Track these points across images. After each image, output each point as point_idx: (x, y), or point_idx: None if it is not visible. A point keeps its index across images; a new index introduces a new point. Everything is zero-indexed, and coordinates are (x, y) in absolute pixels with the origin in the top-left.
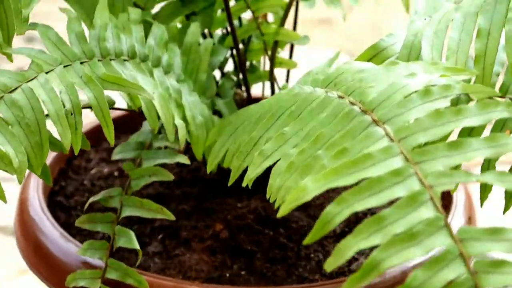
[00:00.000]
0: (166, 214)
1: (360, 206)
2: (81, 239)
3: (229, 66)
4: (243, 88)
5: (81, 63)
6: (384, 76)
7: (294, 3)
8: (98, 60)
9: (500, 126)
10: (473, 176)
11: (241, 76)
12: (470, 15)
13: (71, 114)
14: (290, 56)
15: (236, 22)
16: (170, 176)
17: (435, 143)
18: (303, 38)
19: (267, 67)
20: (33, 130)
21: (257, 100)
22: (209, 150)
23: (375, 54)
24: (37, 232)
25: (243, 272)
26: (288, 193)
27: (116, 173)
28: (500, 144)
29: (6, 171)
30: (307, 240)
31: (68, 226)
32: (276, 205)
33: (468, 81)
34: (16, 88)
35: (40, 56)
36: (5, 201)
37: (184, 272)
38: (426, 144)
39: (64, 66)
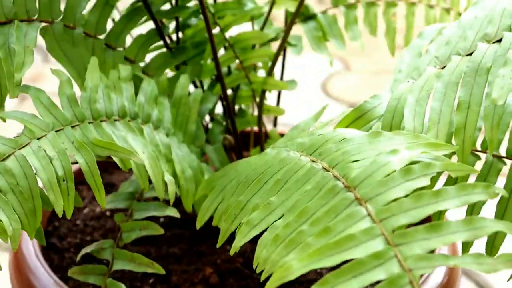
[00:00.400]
0: (156, 269)
1: None
2: (74, 284)
3: (219, 108)
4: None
5: (73, 127)
6: (368, 149)
7: (282, 52)
8: (89, 123)
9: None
10: (452, 260)
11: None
12: (451, 85)
13: (63, 180)
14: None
15: (225, 69)
16: (160, 231)
17: (415, 225)
18: (291, 83)
19: (256, 111)
20: (27, 197)
21: (245, 143)
22: (199, 202)
23: (360, 116)
24: (31, 279)
25: None
26: (274, 267)
27: (108, 213)
28: (477, 227)
29: (1, 239)
30: None
31: (61, 269)
32: (262, 278)
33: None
34: (9, 156)
35: (32, 121)
36: None
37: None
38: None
39: (56, 131)
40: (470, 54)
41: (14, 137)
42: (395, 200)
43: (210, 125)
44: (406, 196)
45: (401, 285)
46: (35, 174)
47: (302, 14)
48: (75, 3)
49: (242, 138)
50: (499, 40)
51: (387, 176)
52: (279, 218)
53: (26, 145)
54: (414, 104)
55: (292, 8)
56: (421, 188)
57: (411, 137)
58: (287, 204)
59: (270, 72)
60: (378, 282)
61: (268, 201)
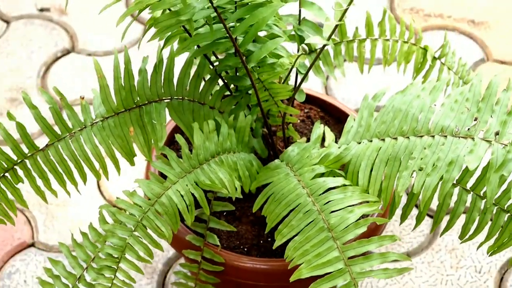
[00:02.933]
0: (230, 227)
1: None
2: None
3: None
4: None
5: (189, 173)
6: (339, 203)
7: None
8: (199, 167)
9: None
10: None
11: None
12: (383, 162)
13: (187, 207)
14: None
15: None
16: (231, 207)
17: None
18: (300, 93)
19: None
20: (172, 217)
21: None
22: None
23: (337, 160)
24: None
25: (269, 239)
26: (296, 263)
27: None
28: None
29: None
30: None
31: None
32: (289, 266)
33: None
34: (162, 195)
35: (170, 171)
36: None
37: (239, 238)
38: None
39: (181, 178)
40: (396, 138)
41: (163, 184)
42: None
43: (254, 125)
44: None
45: None
46: (176, 205)
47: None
48: (182, 82)
49: (271, 130)
50: (408, 137)
51: (348, 225)
52: (298, 233)
53: (169, 188)
54: (364, 168)
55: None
56: None
57: (360, 195)
58: (300, 227)
59: (291, 104)
60: None
61: (292, 222)
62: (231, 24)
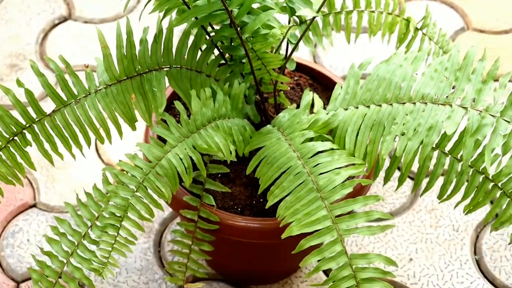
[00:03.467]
0: (225, 189)
1: None
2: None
3: None
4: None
5: (187, 137)
6: (327, 165)
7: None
8: (195, 132)
9: None
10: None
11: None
12: (368, 127)
13: (185, 169)
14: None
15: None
16: (226, 170)
17: None
18: (291, 62)
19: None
20: (171, 178)
21: (266, 99)
22: (247, 150)
23: (326, 126)
24: None
25: (261, 200)
26: (287, 221)
27: None
28: None
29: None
30: None
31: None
32: (281, 224)
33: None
34: (162, 158)
35: (170, 135)
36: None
37: (233, 199)
38: None
39: (180, 142)
40: (380, 105)
41: (163, 147)
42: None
43: (247, 92)
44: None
45: None
46: (175, 167)
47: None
48: (180, 52)
49: (263, 97)
50: (392, 104)
51: (335, 186)
52: (289, 194)
53: (169, 151)
54: (350, 133)
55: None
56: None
57: (347, 159)
58: (291, 188)
59: (282, 72)
60: None
61: (283, 184)
62: None
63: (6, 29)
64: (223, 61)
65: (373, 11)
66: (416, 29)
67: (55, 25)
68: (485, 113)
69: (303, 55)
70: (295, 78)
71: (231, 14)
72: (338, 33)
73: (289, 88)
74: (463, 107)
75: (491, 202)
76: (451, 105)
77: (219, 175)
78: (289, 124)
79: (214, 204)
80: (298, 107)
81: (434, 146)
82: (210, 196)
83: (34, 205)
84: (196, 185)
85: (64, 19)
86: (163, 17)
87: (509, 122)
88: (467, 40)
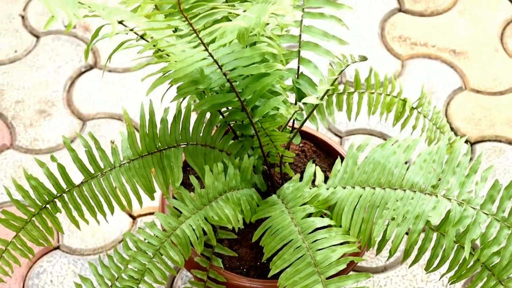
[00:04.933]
0: (232, 253)
1: None
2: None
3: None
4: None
5: (201, 209)
6: (324, 242)
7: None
8: (207, 204)
9: None
10: None
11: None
12: (362, 208)
13: (197, 238)
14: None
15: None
16: (234, 236)
17: None
18: (296, 137)
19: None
20: (184, 246)
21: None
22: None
23: (325, 202)
24: None
25: (265, 261)
26: None
27: None
28: None
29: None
30: None
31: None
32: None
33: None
34: (177, 228)
35: (185, 207)
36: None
37: (239, 260)
38: None
39: (193, 214)
40: (374, 188)
41: (178, 218)
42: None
43: (256, 162)
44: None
45: None
46: (188, 237)
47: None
48: (196, 130)
49: (270, 167)
50: (384, 188)
51: (331, 263)
52: (289, 266)
53: (183, 222)
54: (347, 212)
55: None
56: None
57: (343, 236)
58: (291, 261)
59: (286, 147)
60: None
61: (284, 256)
62: (241, 87)
63: (37, 76)
64: (234, 137)
65: (372, 93)
66: (412, 108)
67: (81, 73)
68: (466, 206)
69: (308, 123)
70: (300, 145)
71: (243, 103)
72: (340, 111)
73: (294, 155)
74: (447, 198)
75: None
76: (436, 196)
77: (227, 241)
78: (292, 197)
79: (222, 266)
80: (301, 175)
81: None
82: (219, 259)
83: (57, 247)
84: (207, 249)
85: (90, 68)
86: (182, 100)
87: (487, 215)
88: (464, 99)
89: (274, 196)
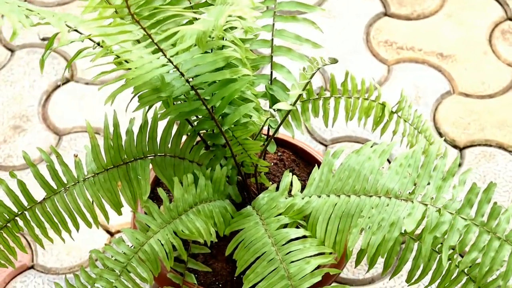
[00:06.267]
0: (206, 268)
1: None
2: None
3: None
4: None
5: (170, 223)
6: (298, 254)
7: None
8: (177, 218)
9: None
10: None
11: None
12: (337, 217)
13: (167, 254)
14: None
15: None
16: (207, 250)
17: None
18: (272, 145)
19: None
20: (152, 261)
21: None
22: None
23: (300, 212)
24: None
25: (242, 275)
26: None
27: None
28: None
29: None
30: None
31: None
32: None
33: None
34: (144, 244)
35: (152, 221)
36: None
37: (215, 275)
38: None
39: (162, 228)
40: (349, 195)
41: (146, 233)
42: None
43: (230, 172)
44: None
45: None
46: (157, 252)
47: None
48: (164, 141)
49: (245, 176)
50: (359, 196)
51: (305, 275)
52: (262, 279)
53: (151, 237)
54: (321, 222)
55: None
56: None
57: (317, 248)
58: (264, 274)
59: (260, 155)
60: None
61: (257, 269)
62: (207, 94)
63: (11, 91)
64: (205, 147)
65: (349, 97)
66: (392, 113)
67: (57, 87)
68: (443, 211)
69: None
70: (279, 154)
71: (210, 111)
72: (316, 118)
73: (272, 164)
74: (423, 204)
75: None
76: (412, 201)
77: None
78: (267, 208)
79: (196, 282)
80: (278, 185)
81: (403, 231)
82: (192, 275)
83: (32, 267)
84: (180, 264)
85: (67, 81)
86: (148, 110)
87: (465, 219)
88: (452, 104)
89: (249, 207)
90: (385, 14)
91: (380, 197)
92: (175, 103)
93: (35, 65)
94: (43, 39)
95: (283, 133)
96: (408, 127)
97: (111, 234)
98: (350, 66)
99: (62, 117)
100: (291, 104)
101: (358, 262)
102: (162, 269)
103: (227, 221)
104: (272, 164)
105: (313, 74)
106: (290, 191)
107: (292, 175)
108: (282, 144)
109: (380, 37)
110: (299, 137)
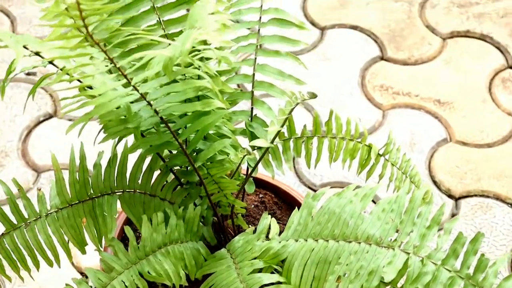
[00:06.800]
0: None
1: None
2: None
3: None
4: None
5: (136, 263)
6: None
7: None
8: (143, 259)
9: None
10: None
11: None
12: (314, 263)
13: None
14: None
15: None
16: None
17: None
18: (250, 185)
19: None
20: None
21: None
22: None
23: (276, 257)
24: None
25: None
26: None
27: None
28: None
29: None
30: None
31: None
32: None
33: None
34: (107, 285)
35: (117, 261)
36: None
37: None
38: None
39: (127, 268)
40: (327, 240)
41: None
42: None
43: (205, 213)
44: None
45: None
46: None
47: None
48: (134, 176)
49: (222, 218)
50: (338, 241)
51: None
52: None
53: (115, 278)
54: (297, 268)
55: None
56: None
57: None
58: None
59: (237, 196)
60: None
61: None
62: (179, 127)
63: None
64: (179, 184)
65: (334, 137)
66: (378, 155)
67: (40, 122)
68: (426, 260)
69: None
70: (260, 196)
71: (181, 145)
72: (298, 157)
73: (252, 206)
74: (405, 252)
75: None
76: (394, 249)
77: None
78: (241, 251)
79: None
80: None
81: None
82: None
83: None
84: None
85: (50, 116)
86: (117, 142)
87: (450, 271)
88: (449, 152)
89: (223, 250)
90: (382, 58)
91: (359, 243)
92: (145, 135)
93: (17, 99)
94: (28, 74)
95: (265, 174)
96: (396, 171)
97: (82, 274)
98: (344, 109)
99: (42, 154)
100: (269, 142)
101: None
102: None
103: (199, 264)
104: (253, 206)
105: (292, 110)
106: (268, 234)
107: (272, 218)
108: (264, 185)
109: (376, 81)
110: (286, 180)
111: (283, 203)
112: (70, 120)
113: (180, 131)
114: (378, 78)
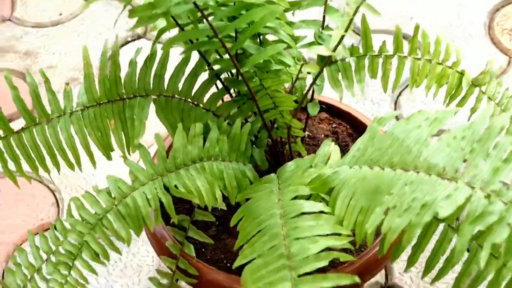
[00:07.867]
0: (206, 239)
1: None
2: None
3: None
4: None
5: (163, 176)
6: (307, 231)
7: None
8: (172, 171)
9: None
10: None
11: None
12: (363, 193)
13: (154, 210)
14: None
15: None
16: (212, 218)
17: None
18: (314, 105)
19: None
20: (134, 218)
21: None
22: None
23: (324, 183)
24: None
25: None
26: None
27: None
28: None
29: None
30: None
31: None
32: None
33: None
34: (127, 195)
35: (141, 171)
36: None
37: (225, 252)
38: None
39: (151, 180)
40: (383, 168)
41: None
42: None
43: (260, 133)
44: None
45: None
46: (139, 208)
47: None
48: (175, 79)
49: (278, 142)
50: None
51: (308, 256)
52: (260, 255)
53: (136, 189)
54: (344, 197)
55: (315, 70)
56: None
57: (333, 227)
58: (262, 250)
59: (294, 116)
60: None
61: (255, 244)
62: (220, 19)
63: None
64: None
65: (418, 58)
66: (473, 85)
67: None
68: (494, 198)
69: (346, 99)
70: (333, 125)
71: (222, 41)
72: (373, 79)
73: (323, 136)
74: (470, 186)
75: None
76: (456, 182)
77: (217, 223)
78: (289, 176)
79: (194, 254)
80: None
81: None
82: (190, 245)
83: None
84: (180, 231)
85: (138, 37)
86: (156, 38)
87: None
88: None
89: (272, 174)
90: None
91: (418, 172)
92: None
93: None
94: None
95: (343, 103)
96: (493, 107)
97: None
98: (465, 51)
99: None
100: (331, 50)
101: (381, 252)
102: (162, 236)
103: (242, 188)
104: (323, 135)
105: (357, 7)
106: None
107: (335, 145)
108: (339, 114)
109: (506, 25)
110: (363, 109)
111: (359, 135)
112: None
113: (222, 24)
114: (509, 21)
